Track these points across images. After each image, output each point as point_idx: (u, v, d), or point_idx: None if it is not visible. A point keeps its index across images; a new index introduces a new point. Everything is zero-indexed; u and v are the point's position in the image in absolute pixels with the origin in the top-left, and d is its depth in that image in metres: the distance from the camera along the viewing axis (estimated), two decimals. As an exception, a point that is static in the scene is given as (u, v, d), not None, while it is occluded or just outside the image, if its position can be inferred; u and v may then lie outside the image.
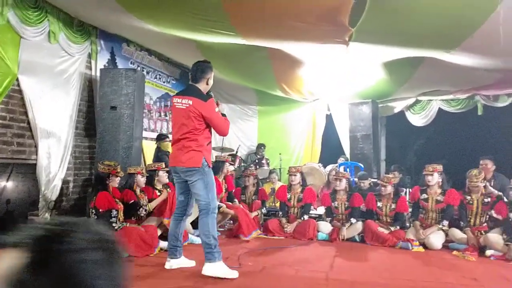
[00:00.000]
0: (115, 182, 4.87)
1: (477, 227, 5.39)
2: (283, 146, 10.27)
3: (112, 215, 4.64)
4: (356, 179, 7.81)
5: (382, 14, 4.54)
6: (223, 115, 4.03)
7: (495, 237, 5.07)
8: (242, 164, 9.21)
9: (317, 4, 4.56)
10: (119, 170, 4.90)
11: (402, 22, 4.74)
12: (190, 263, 4.09)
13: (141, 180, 5.29)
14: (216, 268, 3.68)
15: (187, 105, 3.79)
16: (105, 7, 5.20)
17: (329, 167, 8.80)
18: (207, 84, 3.94)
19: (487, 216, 5.41)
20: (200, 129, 3.80)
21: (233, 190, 6.48)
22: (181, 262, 4.02)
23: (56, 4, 5.31)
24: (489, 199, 5.41)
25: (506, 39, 4.72)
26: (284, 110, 10.42)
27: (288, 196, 6.24)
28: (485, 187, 5.52)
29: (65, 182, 5.72)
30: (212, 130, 3.94)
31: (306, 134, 10.38)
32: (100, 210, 4.56)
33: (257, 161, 9.62)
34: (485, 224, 5.44)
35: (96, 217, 4.59)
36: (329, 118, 10.35)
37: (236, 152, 9.42)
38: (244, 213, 5.87)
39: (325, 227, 5.90)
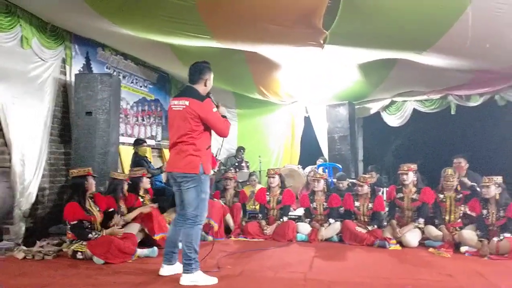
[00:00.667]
0: (92, 184, 4.79)
1: (451, 224, 5.52)
2: (262, 148, 10.31)
3: (84, 226, 4.56)
4: (334, 180, 7.90)
5: (355, 17, 4.62)
6: (224, 117, 3.86)
7: (469, 233, 5.19)
8: (222, 167, 9.20)
9: (292, 7, 4.61)
10: (92, 172, 4.86)
11: (374, 24, 4.84)
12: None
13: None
14: (194, 278, 3.63)
15: (184, 106, 3.66)
16: (79, 12, 5.16)
17: (308, 168, 8.88)
18: (205, 85, 3.83)
19: (461, 213, 5.54)
20: (197, 131, 3.65)
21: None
22: (177, 268, 3.88)
23: (29, 9, 5.25)
24: (461, 195, 5.54)
25: (475, 40, 4.86)
26: (263, 113, 10.48)
27: (268, 198, 6.27)
28: (460, 182, 5.66)
29: (40, 189, 5.62)
30: (213, 132, 3.79)
31: (285, 136, 10.46)
32: (71, 222, 4.49)
33: (236, 164, 9.63)
34: (459, 220, 5.58)
35: (69, 227, 4.53)
36: (307, 120, 10.46)
37: (216, 155, 9.41)
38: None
39: (304, 228, 5.94)
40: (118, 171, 5.84)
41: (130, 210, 5.30)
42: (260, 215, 6.30)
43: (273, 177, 6.29)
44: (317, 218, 6.09)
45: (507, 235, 4.94)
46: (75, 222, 4.50)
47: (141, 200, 5.54)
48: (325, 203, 6.06)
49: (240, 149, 9.80)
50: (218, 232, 5.83)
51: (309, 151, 10.57)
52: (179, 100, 3.75)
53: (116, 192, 5.19)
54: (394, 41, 5.38)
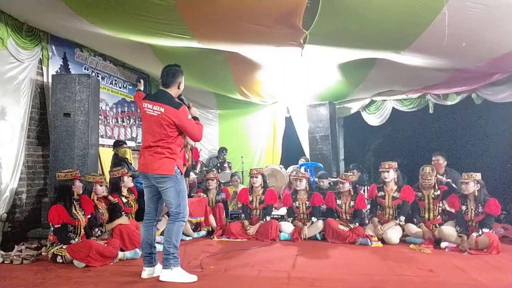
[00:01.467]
0: (79, 188, 4.71)
1: (431, 221, 5.61)
2: (244, 149, 10.31)
3: (68, 230, 4.49)
4: (316, 179, 7.95)
5: (334, 16, 4.66)
6: (196, 118, 3.92)
7: (449, 229, 5.29)
8: (204, 168, 9.17)
9: (272, 7, 4.62)
10: (79, 175, 4.77)
11: (353, 24, 4.89)
12: None
13: (100, 189, 5.21)
14: (172, 274, 3.66)
15: (159, 113, 3.70)
16: (56, 12, 5.07)
17: (290, 168, 8.92)
18: (178, 88, 3.87)
19: (440, 209, 5.63)
20: (173, 136, 3.73)
21: None
22: (158, 269, 3.86)
23: (4, 9, 5.15)
24: (438, 192, 5.64)
25: (451, 39, 4.95)
26: (244, 114, 10.48)
27: (250, 198, 6.26)
28: (436, 179, 5.75)
29: (17, 193, 5.52)
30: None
31: (267, 136, 10.48)
32: (55, 225, 4.40)
33: (219, 165, 9.62)
34: (439, 217, 5.68)
35: (52, 230, 4.44)
36: (289, 120, 10.51)
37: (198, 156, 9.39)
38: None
39: (287, 228, 5.96)
40: (98, 173, 5.74)
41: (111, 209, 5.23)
42: (243, 215, 6.29)
43: (256, 177, 6.29)
44: (299, 217, 6.11)
45: (486, 230, 5.05)
46: (59, 225, 4.41)
47: (125, 200, 5.46)
48: (307, 202, 6.08)
49: (222, 150, 9.79)
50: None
51: (291, 151, 10.63)
52: (153, 105, 3.76)
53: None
54: (372, 41, 5.44)
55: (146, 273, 3.85)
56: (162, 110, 3.68)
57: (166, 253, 3.69)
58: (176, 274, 3.66)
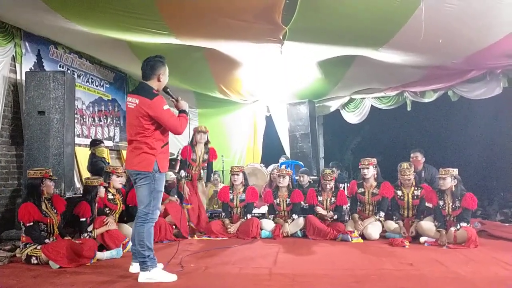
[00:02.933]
0: (49, 187, 4.57)
1: (409, 218, 5.67)
2: (225, 148, 10.23)
3: (40, 229, 4.35)
4: (297, 177, 7.96)
5: (313, 12, 4.67)
6: (183, 111, 3.79)
7: (428, 224, 5.36)
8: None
9: (251, 2, 4.59)
10: (51, 174, 4.62)
11: (332, 20, 4.90)
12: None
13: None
14: (151, 275, 3.58)
15: (135, 105, 3.58)
16: (29, 6, 4.94)
17: (271, 167, 8.90)
18: (159, 80, 3.71)
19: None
20: (149, 129, 3.58)
21: None
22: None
23: (-26, 4, 4.97)
24: (419, 192, 5.69)
25: (428, 36, 5.02)
26: (224, 112, 10.41)
27: (231, 196, 6.21)
28: (415, 178, 5.82)
29: (-10, 193, 5.34)
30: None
31: (248, 135, 10.44)
32: (26, 223, 4.26)
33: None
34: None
35: (24, 230, 4.31)
36: (269, 119, 10.50)
37: (177, 156, 9.27)
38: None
39: (268, 225, 5.93)
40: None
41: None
42: (223, 214, 6.23)
43: (237, 175, 6.24)
44: (280, 214, 6.09)
45: (464, 224, 5.13)
46: (30, 223, 4.26)
47: (111, 197, 5.31)
48: (288, 199, 6.06)
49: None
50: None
51: (272, 150, 10.65)
52: (132, 97, 3.67)
53: (90, 197, 4.95)
54: (351, 37, 5.48)
55: (133, 267, 3.81)
56: (137, 101, 3.58)
57: (141, 257, 3.59)
58: (155, 275, 3.58)
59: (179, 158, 9.16)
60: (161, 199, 3.82)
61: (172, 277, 3.62)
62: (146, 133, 3.59)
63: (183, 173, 6.21)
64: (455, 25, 4.90)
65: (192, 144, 6.23)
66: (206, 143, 6.41)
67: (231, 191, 6.25)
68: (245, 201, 6.13)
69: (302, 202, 6.05)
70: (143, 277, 3.57)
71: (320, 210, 5.73)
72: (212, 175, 7.96)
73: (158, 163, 3.62)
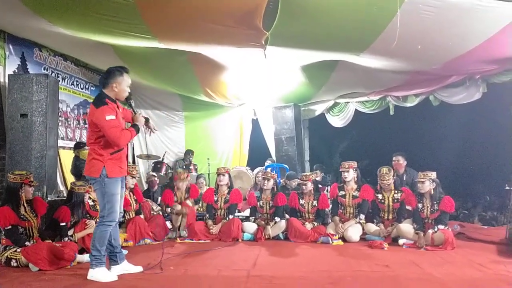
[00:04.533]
0: (28, 192, 4.58)
1: (390, 221, 5.76)
2: (211, 151, 10.28)
3: (19, 232, 4.37)
4: (281, 180, 8.03)
5: (293, 19, 4.74)
6: (135, 125, 3.90)
7: (407, 226, 5.45)
8: (169, 171, 9.09)
9: (232, 6, 4.64)
10: (32, 180, 4.62)
11: (312, 26, 4.98)
12: (135, 269, 4.03)
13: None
14: (93, 274, 3.75)
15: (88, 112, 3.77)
16: (12, 10, 4.94)
17: (257, 170, 8.97)
18: (114, 89, 3.81)
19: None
20: (95, 136, 3.72)
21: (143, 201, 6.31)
22: (124, 267, 3.96)
23: (-44, 7, 4.96)
24: (399, 196, 5.78)
25: (407, 42, 5.13)
26: (211, 116, 10.45)
27: (215, 198, 6.23)
28: (394, 182, 5.91)
29: (-29, 196, 5.30)
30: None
31: (234, 139, 10.49)
32: (3, 227, 4.28)
33: (184, 167, 9.53)
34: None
35: (3, 233, 4.31)
36: (255, 122, 10.56)
37: (162, 159, 9.31)
38: (138, 222, 5.69)
39: (250, 227, 5.98)
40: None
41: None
42: (207, 215, 6.27)
43: (223, 175, 6.26)
44: (263, 217, 6.15)
45: (441, 227, 5.24)
46: (8, 227, 4.28)
47: (92, 203, 5.31)
48: (271, 202, 6.12)
49: (189, 153, 9.69)
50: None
51: (258, 153, 10.70)
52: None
53: (76, 203, 5.03)
54: (332, 43, 5.56)
55: (112, 271, 3.89)
56: (83, 112, 3.77)
57: (91, 254, 3.80)
58: (96, 273, 3.75)
59: (165, 161, 9.25)
60: (118, 202, 3.87)
61: (111, 277, 3.77)
62: (93, 140, 3.76)
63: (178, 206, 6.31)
64: (433, 31, 5.00)
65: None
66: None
67: (215, 193, 6.29)
68: (229, 202, 6.17)
69: (285, 205, 6.11)
70: (89, 274, 3.77)
71: (308, 225, 5.82)
72: (197, 178, 8.00)
73: (107, 168, 3.72)
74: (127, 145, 4.04)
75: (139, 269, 4.03)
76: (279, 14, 4.61)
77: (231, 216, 6.04)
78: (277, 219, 5.98)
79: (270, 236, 5.85)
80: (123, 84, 3.85)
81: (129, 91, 3.94)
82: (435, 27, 4.90)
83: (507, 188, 5.80)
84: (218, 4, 4.53)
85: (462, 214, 8.97)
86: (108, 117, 3.66)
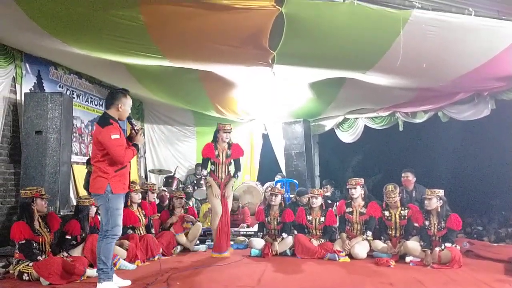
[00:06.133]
0: (42, 206, 4.72)
1: (397, 238, 5.75)
2: (221, 166, 10.34)
3: (33, 247, 4.50)
4: (292, 196, 8.07)
5: (298, 39, 4.85)
6: (135, 145, 4.09)
7: (413, 244, 5.43)
8: (180, 185, 9.21)
9: (238, 28, 4.77)
10: (43, 193, 4.78)
11: (317, 46, 5.10)
12: (124, 283, 4.12)
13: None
14: (101, 287, 3.85)
15: (93, 132, 3.93)
16: (29, 31, 5.15)
17: (267, 184, 9.03)
18: (118, 110, 4.01)
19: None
20: (101, 154, 3.88)
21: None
22: (117, 281, 4.05)
23: (-24, 28, 5.20)
24: (406, 212, 5.77)
25: (412, 60, 5.19)
26: (222, 131, 10.53)
27: (216, 152, 6.09)
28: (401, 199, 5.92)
29: (-12, 211, 5.50)
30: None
31: (244, 153, 10.54)
32: (18, 241, 4.42)
33: (195, 181, 9.64)
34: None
35: (17, 247, 4.45)
36: (266, 137, 10.65)
37: (174, 173, 9.42)
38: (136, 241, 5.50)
39: (257, 243, 6.03)
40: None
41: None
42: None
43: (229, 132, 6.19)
44: (270, 233, 6.19)
45: (448, 244, 5.19)
46: (22, 241, 4.42)
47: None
48: (279, 218, 6.17)
49: (199, 166, 9.76)
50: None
51: (268, 168, 10.76)
52: (95, 125, 4.07)
53: (82, 216, 5.12)
54: (338, 62, 5.67)
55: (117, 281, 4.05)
56: (95, 128, 3.94)
57: (98, 268, 3.93)
58: (103, 287, 3.85)
59: (176, 175, 9.36)
60: (121, 217, 4.04)
61: None
62: (99, 158, 3.90)
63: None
64: (437, 50, 5.06)
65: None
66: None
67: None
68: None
69: (292, 221, 6.14)
70: None
71: (314, 242, 5.85)
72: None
73: (111, 185, 3.88)
74: (130, 162, 4.19)
75: (127, 282, 4.14)
76: (284, 34, 4.72)
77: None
78: (284, 235, 6.01)
79: (277, 252, 5.88)
80: (127, 105, 4.08)
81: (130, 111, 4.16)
82: (439, 46, 4.96)
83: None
84: (225, 26, 4.67)
85: (476, 231, 8.86)
86: (113, 136, 3.84)
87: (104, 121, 3.93)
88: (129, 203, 5.73)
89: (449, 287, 4.12)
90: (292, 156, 9.63)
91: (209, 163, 6.05)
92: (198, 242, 6.53)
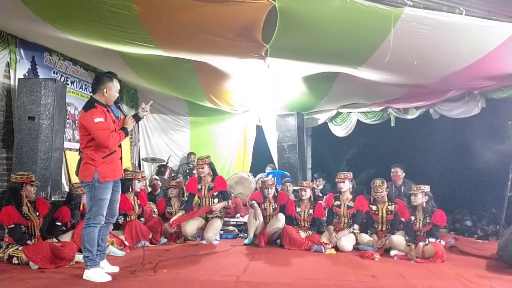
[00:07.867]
0: (30, 192, 4.79)
1: (383, 232, 5.86)
2: (215, 156, 10.34)
3: (22, 231, 4.58)
4: (279, 187, 8.16)
5: (291, 32, 4.88)
6: (124, 129, 4.02)
7: (398, 238, 5.54)
8: (173, 174, 9.27)
9: (232, 20, 4.79)
10: (33, 179, 4.83)
11: (310, 40, 5.13)
12: (112, 269, 4.19)
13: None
14: (88, 274, 3.92)
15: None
16: (23, 17, 5.15)
17: (259, 176, 9.10)
18: (105, 94, 3.97)
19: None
20: (87, 140, 3.87)
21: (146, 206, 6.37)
22: (102, 266, 4.11)
23: (-30, 13, 5.20)
24: (393, 207, 5.88)
25: (403, 57, 5.25)
26: (216, 121, 10.61)
27: (199, 187, 6.25)
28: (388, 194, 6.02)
29: (-21, 194, 5.54)
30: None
31: (238, 144, 10.64)
32: (7, 226, 4.49)
33: (188, 171, 9.70)
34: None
35: (7, 231, 4.52)
36: (260, 129, 10.71)
37: (167, 162, 9.48)
38: (136, 224, 5.63)
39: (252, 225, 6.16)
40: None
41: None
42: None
43: (202, 168, 6.18)
44: (266, 219, 6.32)
45: (432, 240, 5.31)
46: (11, 225, 4.50)
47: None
48: (274, 204, 6.32)
49: (191, 154, 9.80)
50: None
51: (261, 159, 10.84)
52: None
53: (74, 203, 5.23)
54: (330, 57, 5.71)
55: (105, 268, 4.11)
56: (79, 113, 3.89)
57: (83, 256, 3.99)
58: (90, 273, 3.91)
59: (168, 164, 9.42)
60: (105, 206, 4.01)
61: (105, 278, 3.91)
62: (85, 144, 3.90)
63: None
64: (428, 48, 5.11)
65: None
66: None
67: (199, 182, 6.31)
68: (213, 190, 6.19)
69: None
70: (85, 275, 3.93)
71: (302, 234, 5.97)
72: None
73: (99, 173, 3.86)
74: (120, 147, 4.15)
75: (115, 269, 4.21)
76: (277, 28, 4.76)
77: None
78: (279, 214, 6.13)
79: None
80: (113, 90, 4.03)
81: (118, 95, 4.14)
82: (429, 44, 5.01)
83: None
84: (218, 17, 4.69)
85: (465, 227, 8.99)
86: (96, 120, 3.79)
87: (88, 105, 3.91)
88: (130, 189, 5.81)
89: (431, 281, 4.22)
90: (285, 149, 9.70)
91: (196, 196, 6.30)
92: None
